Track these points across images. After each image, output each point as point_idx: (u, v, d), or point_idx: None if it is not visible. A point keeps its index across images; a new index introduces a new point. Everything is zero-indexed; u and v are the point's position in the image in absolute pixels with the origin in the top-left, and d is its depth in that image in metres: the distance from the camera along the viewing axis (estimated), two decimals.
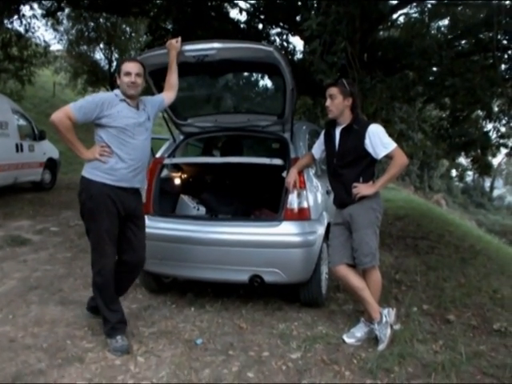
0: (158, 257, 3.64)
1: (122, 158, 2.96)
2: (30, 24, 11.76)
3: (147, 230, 3.66)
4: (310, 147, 3.95)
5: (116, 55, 20.07)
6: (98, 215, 2.93)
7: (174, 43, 3.33)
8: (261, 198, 4.28)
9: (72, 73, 20.07)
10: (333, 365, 2.90)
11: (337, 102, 3.13)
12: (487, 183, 43.46)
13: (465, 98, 5.53)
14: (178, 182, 4.26)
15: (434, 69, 5.44)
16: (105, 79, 20.12)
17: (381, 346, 3.09)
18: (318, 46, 4.08)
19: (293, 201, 3.49)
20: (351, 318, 3.64)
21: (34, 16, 11.26)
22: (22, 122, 8.93)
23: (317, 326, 3.48)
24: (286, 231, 3.44)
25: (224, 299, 3.92)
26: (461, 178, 15.82)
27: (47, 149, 9.65)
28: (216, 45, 3.26)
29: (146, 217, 3.72)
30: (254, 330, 3.38)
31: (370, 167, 3.19)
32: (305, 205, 3.52)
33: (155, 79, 3.65)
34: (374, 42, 6.02)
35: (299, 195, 3.51)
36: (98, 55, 20.48)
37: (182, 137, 4.21)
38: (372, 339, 3.24)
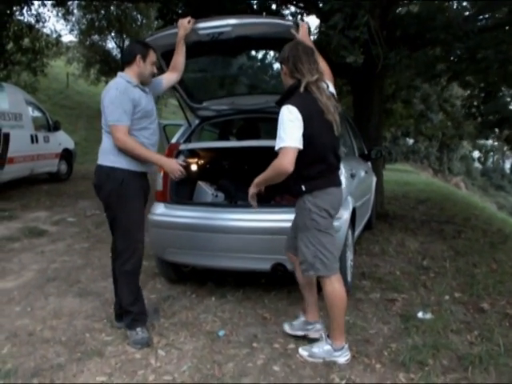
0: (177, 246, 3.52)
1: (144, 144, 2.87)
2: (40, 14, 11.62)
3: (164, 218, 3.58)
4: None
5: (127, 42, 19.91)
6: (128, 201, 2.84)
7: (185, 23, 3.09)
8: (282, 182, 4.08)
9: (85, 63, 20.00)
10: (362, 357, 2.74)
11: (282, 76, 2.72)
12: (507, 165, 42.54)
13: (498, 72, 5.18)
14: (194, 168, 4.11)
15: (460, 43, 5.11)
16: (117, 68, 19.97)
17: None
18: (340, 21, 3.83)
19: None
20: (379, 307, 3.48)
21: (43, 4, 11.09)
22: (36, 113, 8.89)
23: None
24: None
25: (245, 288, 3.79)
26: (484, 159, 15.36)
27: (62, 139, 9.61)
28: (232, 21, 3.07)
29: (162, 205, 3.63)
30: (278, 320, 3.23)
31: (298, 161, 2.49)
32: None
33: (168, 60, 3.47)
34: (394, 18, 5.71)
35: None
36: (110, 44, 20.37)
37: (197, 121, 4.04)
38: (404, 329, 3.08)
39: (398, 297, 3.70)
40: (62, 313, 3.37)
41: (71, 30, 18.45)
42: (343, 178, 3.67)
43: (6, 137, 7.31)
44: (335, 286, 2.63)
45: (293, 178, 2.58)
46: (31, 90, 13.10)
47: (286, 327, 3.00)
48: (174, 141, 3.86)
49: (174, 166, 2.91)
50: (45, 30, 13.84)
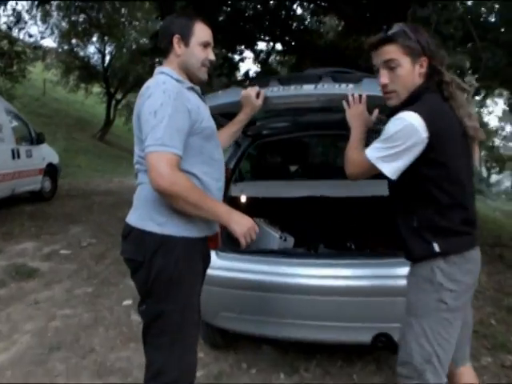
0: (235, 310, 2.60)
1: (210, 188, 1.78)
2: (20, 14, 10.54)
3: (216, 272, 2.64)
4: None
5: (109, 48, 18.85)
6: (186, 287, 1.74)
7: (253, 97, 2.14)
8: (375, 221, 3.09)
9: (63, 69, 18.82)
10: None
11: (402, 73, 1.63)
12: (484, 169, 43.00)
13: None
14: (243, 199, 3.19)
15: None
16: (98, 75, 18.94)
17: None
18: (432, 14, 3.00)
19: None
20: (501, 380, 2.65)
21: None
22: (16, 123, 7.80)
23: None
24: None
25: (317, 356, 2.91)
26: (501, 170, 15.01)
27: (46, 153, 8.51)
28: (318, 92, 2.17)
29: (213, 253, 2.68)
30: None
31: (430, 202, 1.64)
32: None
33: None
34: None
35: None
36: (91, 49, 19.31)
37: (247, 141, 3.12)
38: None
39: None
40: None
41: (51, 33, 17.20)
42: None
43: None
44: None
45: (418, 227, 1.65)
46: (8, 97, 11.92)
47: None
48: None
49: (250, 225, 1.71)
50: (22, 33, 12.75)
